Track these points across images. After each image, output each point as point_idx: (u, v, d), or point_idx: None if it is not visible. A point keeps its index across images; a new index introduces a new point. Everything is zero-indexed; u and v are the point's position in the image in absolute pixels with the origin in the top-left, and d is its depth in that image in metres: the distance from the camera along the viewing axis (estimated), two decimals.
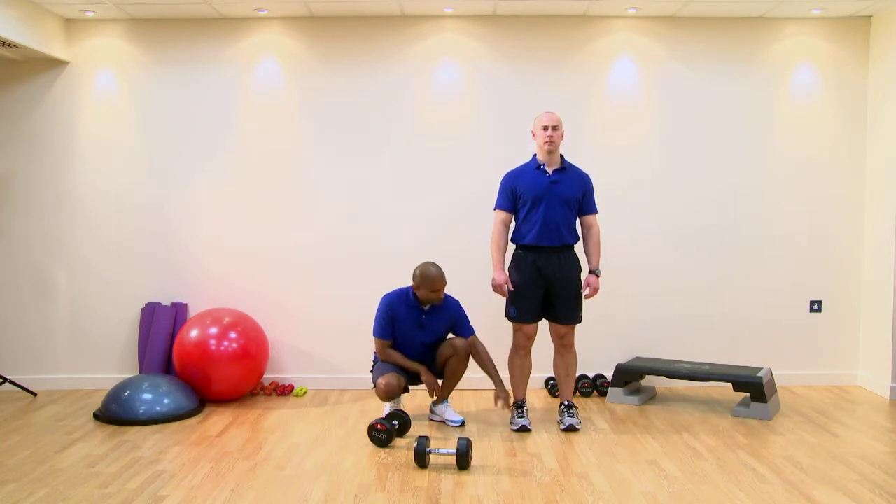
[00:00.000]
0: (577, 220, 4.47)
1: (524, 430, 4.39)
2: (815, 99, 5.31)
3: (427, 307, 4.48)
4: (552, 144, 4.31)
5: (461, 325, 4.57)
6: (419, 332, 4.49)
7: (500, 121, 5.28)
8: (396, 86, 5.28)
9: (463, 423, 4.56)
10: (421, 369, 4.45)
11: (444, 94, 5.28)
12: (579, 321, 4.43)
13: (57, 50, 5.11)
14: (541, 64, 5.27)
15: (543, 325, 5.00)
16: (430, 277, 4.37)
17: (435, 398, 4.61)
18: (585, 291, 4.42)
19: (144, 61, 5.28)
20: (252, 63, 5.27)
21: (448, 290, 5.32)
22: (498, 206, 4.45)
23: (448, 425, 4.57)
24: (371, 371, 4.61)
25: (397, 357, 4.47)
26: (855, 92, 5.31)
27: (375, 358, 4.60)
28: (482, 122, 5.29)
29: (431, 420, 4.67)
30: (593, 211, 4.44)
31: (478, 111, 5.29)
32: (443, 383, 4.60)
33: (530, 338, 4.44)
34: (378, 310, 4.49)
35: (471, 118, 5.29)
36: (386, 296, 4.51)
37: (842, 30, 5.28)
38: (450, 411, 4.61)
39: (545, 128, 4.31)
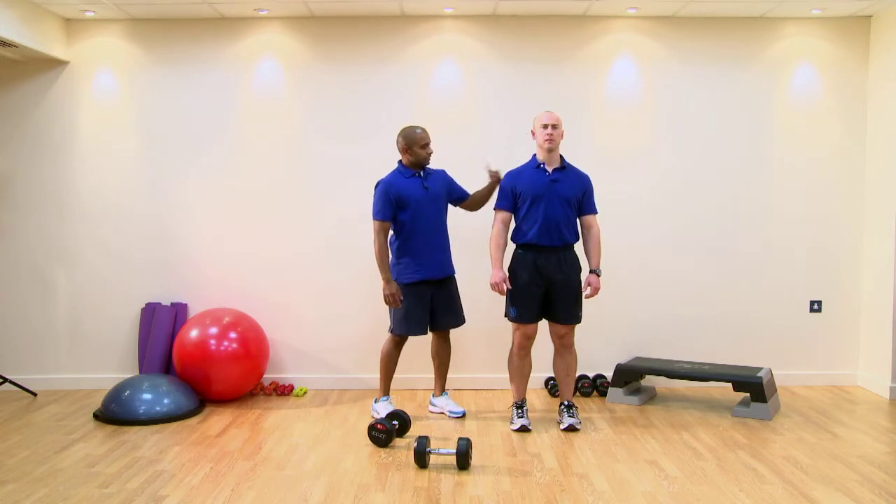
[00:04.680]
0: (577, 220, 4.47)
1: (524, 430, 4.39)
2: (815, 99, 5.31)
3: (422, 172, 4.51)
4: (552, 143, 4.32)
5: (455, 186, 4.67)
6: (427, 197, 4.47)
7: (500, 120, 5.28)
8: (396, 86, 5.28)
9: (464, 415, 4.63)
10: (386, 280, 4.38)
11: (444, 94, 5.28)
12: (579, 321, 4.43)
13: (57, 50, 5.11)
14: (541, 64, 5.27)
15: (543, 325, 5.00)
16: (416, 134, 4.43)
17: (398, 304, 4.49)
18: (586, 291, 4.42)
19: (144, 61, 5.28)
20: (252, 63, 5.27)
21: None
22: (497, 206, 4.45)
23: (449, 417, 4.64)
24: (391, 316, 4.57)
25: (379, 255, 4.39)
26: (855, 92, 5.31)
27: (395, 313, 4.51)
28: (482, 121, 5.29)
29: (431, 412, 4.73)
30: (593, 211, 4.44)
31: (478, 111, 5.29)
32: (436, 374, 4.73)
33: (530, 338, 4.43)
34: (377, 193, 4.42)
35: (471, 118, 5.29)
36: (381, 181, 4.46)
37: (842, 30, 5.28)
38: (451, 403, 4.70)
39: (545, 126, 4.31)
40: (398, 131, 4.61)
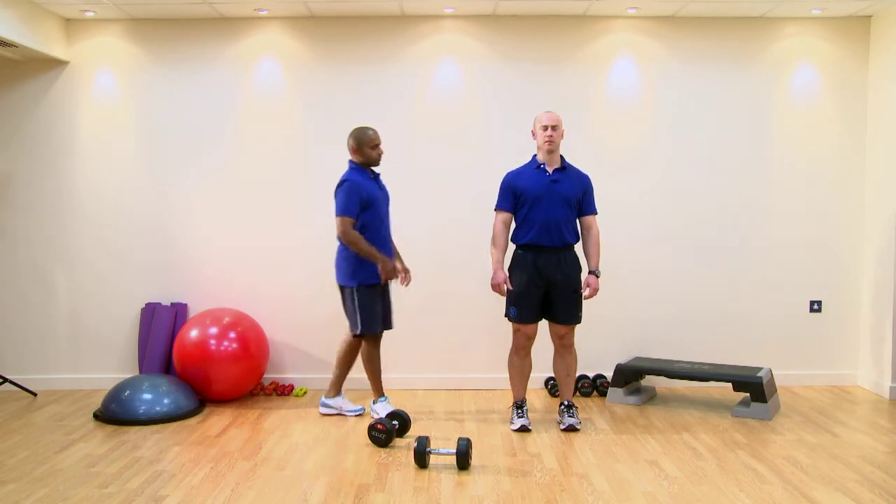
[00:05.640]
0: (577, 221, 4.47)
1: (524, 430, 4.39)
2: (815, 99, 5.31)
3: (375, 173, 4.53)
4: (552, 144, 4.32)
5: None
6: (382, 198, 4.50)
7: (500, 121, 5.28)
8: (396, 86, 5.28)
9: (363, 412, 4.72)
10: (383, 259, 4.36)
11: (444, 94, 5.28)
12: (579, 321, 4.43)
13: (57, 50, 5.11)
14: (541, 64, 5.27)
15: (543, 325, 4.99)
16: (367, 135, 4.42)
17: (405, 283, 4.60)
18: (585, 292, 4.41)
19: (144, 61, 5.28)
20: (252, 63, 5.27)
21: (448, 290, 5.32)
22: (498, 207, 4.45)
23: (348, 416, 4.70)
24: (355, 310, 4.46)
25: (363, 243, 4.33)
26: (855, 92, 5.31)
27: (357, 297, 4.44)
28: (482, 122, 5.29)
29: (324, 414, 4.76)
30: (593, 212, 4.44)
31: (478, 111, 5.29)
32: (338, 374, 4.72)
33: (530, 338, 4.43)
34: (345, 190, 4.36)
35: (471, 118, 5.29)
36: (347, 179, 4.38)
37: (842, 30, 5.28)
38: (348, 402, 4.76)
39: (545, 127, 4.31)
40: (349, 134, 4.53)
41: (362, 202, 4.38)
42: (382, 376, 4.91)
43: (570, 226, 4.36)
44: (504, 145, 5.28)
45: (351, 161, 4.50)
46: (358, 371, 5.38)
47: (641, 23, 5.26)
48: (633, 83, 5.29)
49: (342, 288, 4.52)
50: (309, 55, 5.27)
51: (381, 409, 4.59)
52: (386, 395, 4.71)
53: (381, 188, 4.56)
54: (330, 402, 4.74)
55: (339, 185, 4.41)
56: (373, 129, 4.46)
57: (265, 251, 5.33)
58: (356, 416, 4.70)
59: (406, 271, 4.62)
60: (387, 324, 4.63)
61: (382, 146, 4.65)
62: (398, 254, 4.69)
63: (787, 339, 5.40)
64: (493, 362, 5.35)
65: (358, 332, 4.49)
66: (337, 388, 4.74)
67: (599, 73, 5.28)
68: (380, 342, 4.59)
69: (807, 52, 5.29)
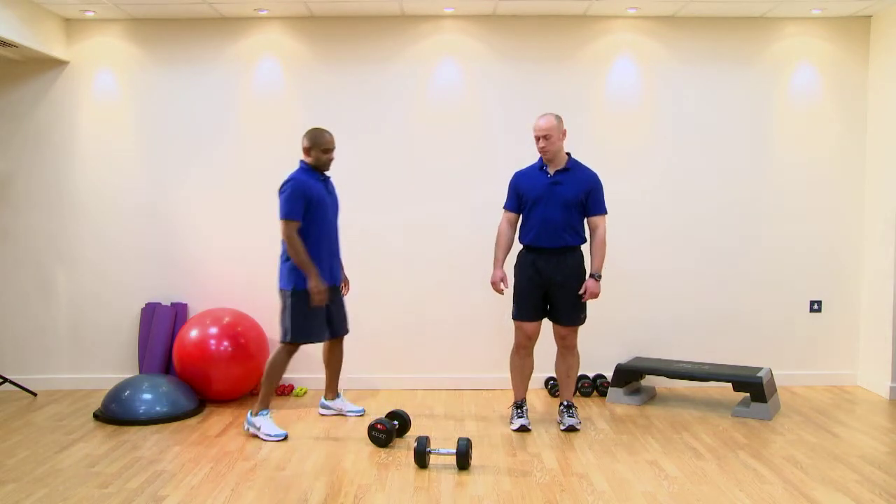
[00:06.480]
0: (586, 221, 4.44)
1: (524, 429, 4.39)
2: (815, 99, 5.31)
3: (324, 176, 4.38)
4: (545, 153, 4.31)
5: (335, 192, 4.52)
6: (330, 202, 4.36)
7: (500, 121, 5.28)
8: (396, 86, 5.28)
9: (363, 413, 4.70)
10: (316, 281, 4.18)
11: (444, 94, 5.28)
12: (580, 323, 4.42)
13: (57, 50, 5.11)
14: (541, 64, 5.27)
15: (545, 326, 4.99)
16: (322, 138, 4.29)
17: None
18: (583, 295, 4.40)
19: (144, 61, 5.28)
20: (252, 63, 5.27)
21: (448, 290, 5.32)
22: (505, 206, 4.49)
23: (348, 416, 4.67)
24: (289, 318, 4.27)
25: (304, 254, 4.17)
26: (855, 92, 5.31)
27: (291, 302, 4.25)
28: (482, 122, 5.29)
29: (323, 415, 4.70)
30: (599, 212, 4.37)
31: (478, 111, 5.29)
32: (330, 379, 4.67)
33: (530, 338, 4.43)
34: (288, 192, 4.18)
35: (471, 118, 5.29)
36: (292, 180, 4.22)
37: (842, 30, 5.28)
38: (348, 403, 4.71)
39: (537, 138, 4.31)
40: (307, 130, 4.38)
41: (307, 204, 4.21)
42: (387, 376, 4.92)
43: (571, 228, 4.33)
44: (504, 145, 5.28)
45: (302, 161, 4.35)
46: (353, 372, 5.38)
47: (641, 23, 5.26)
48: (634, 83, 5.29)
49: (280, 291, 4.31)
50: (309, 55, 5.27)
51: (264, 425, 4.27)
52: (270, 409, 4.37)
53: (330, 192, 4.40)
54: (330, 403, 4.73)
55: (283, 186, 4.23)
56: (329, 133, 4.32)
57: (265, 251, 5.33)
58: (357, 416, 4.69)
59: (346, 282, 4.59)
60: (337, 331, 4.50)
61: (335, 154, 4.45)
62: (341, 263, 4.56)
63: (787, 339, 5.40)
64: (493, 362, 5.35)
65: (287, 339, 4.25)
66: (333, 390, 4.71)
67: (599, 73, 5.28)
68: (294, 354, 4.33)
69: (807, 52, 5.28)
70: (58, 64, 5.27)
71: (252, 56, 5.27)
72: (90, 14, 5.10)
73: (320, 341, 4.36)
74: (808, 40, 5.28)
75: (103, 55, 5.27)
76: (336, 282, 4.46)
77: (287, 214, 4.18)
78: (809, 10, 5.07)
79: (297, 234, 4.19)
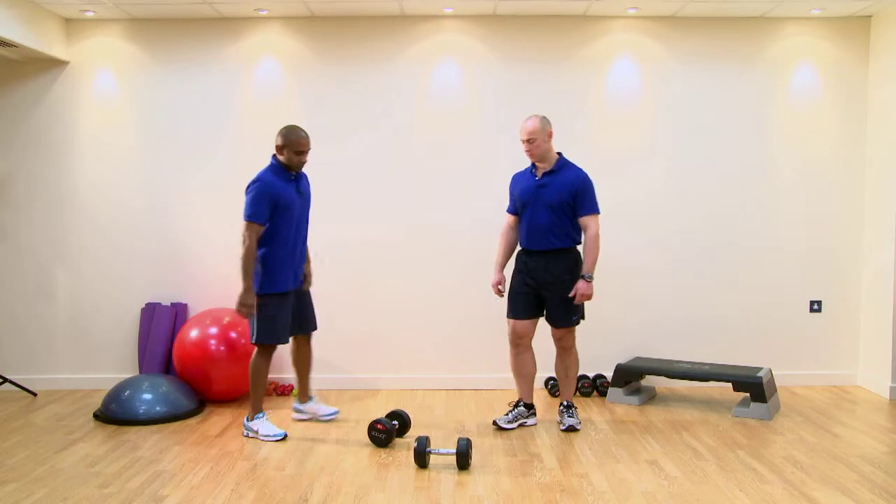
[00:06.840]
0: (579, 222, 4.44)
1: (497, 426, 4.42)
2: (815, 99, 5.31)
3: (295, 175, 4.26)
4: (532, 156, 4.32)
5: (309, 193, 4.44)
6: (301, 203, 4.26)
7: (500, 121, 5.28)
8: (396, 86, 5.27)
9: (336, 414, 4.61)
10: (246, 295, 4.09)
11: (444, 94, 5.28)
12: (574, 324, 4.40)
13: (57, 50, 5.11)
14: (541, 64, 5.27)
15: (542, 327, 5.00)
16: (297, 137, 4.15)
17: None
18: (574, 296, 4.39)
19: (144, 61, 5.28)
20: (252, 63, 5.27)
21: (448, 290, 5.32)
22: (507, 209, 4.55)
23: (321, 419, 4.59)
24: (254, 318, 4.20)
25: (250, 263, 4.08)
26: (855, 92, 5.31)
27: (258, 305, 4.18)
28: (482, 122, 5.29)
29: (298, 420, 4.62)
30: (589, 212, 4.32)
31: (478, 111, 5.29)
32: (301, 380, 4.60)
33: (521, 336, 4.44)
34: (254, 193, 4.08)
35: (471, 118, 5.29)
36: (257, 180, 4.12)
37: (842, 30, 5.28)
38: (322, 406, 4.63)
39: (522, 141, 4.32)
40: (282, 127, 4.26)
41: (272, 206, 4.12)
42: (387, 376, 4.88)
43: (559, 230, 4.31)
44: (504, 145, 5.28)
45: (273, 157, 4.24)
46: (354, 372, 5.38)
47: (641, 23, 5.26)
48: (633, 83, 5.29)
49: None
50: (309, 55, 5.27)
51: (259, 427, 4.28)
52: (264, 410, 4.38)
53: (301, 192, 4.28)
54: (302, 407, 4.63)
55: (250, 185, 4.14)
56: (305, 134, 4.19)
57: None
58: (330, 419, 4.60)
59: (307, 276, 4.47)
60: (303, 329, 4.47)
61: (308, 157, 4.33)
62: (308, 259, 4.51)
63: (787, 339, 5.40)
64: (494, 362, 5.35)
65: (253, 340, 4.24)
66: (305, 393, 4.62)
67: (599, 72, 5.28)
68: (272, 354, 4.32)
69: (807, 52, 5.28)
70: (58, 64, 5.27)
71: (252, 56, 5.27)
72: (90, 14, 5.10)
73: (284, 343, 4.31)
74: (808, 40, 5.28)
75: (103, 55, 5.27)
76: (299, 284, 4.39)
77: (250, 216, 4.09)
78: (809, 10, 5.07)
79: (257, 238, 4.10)
